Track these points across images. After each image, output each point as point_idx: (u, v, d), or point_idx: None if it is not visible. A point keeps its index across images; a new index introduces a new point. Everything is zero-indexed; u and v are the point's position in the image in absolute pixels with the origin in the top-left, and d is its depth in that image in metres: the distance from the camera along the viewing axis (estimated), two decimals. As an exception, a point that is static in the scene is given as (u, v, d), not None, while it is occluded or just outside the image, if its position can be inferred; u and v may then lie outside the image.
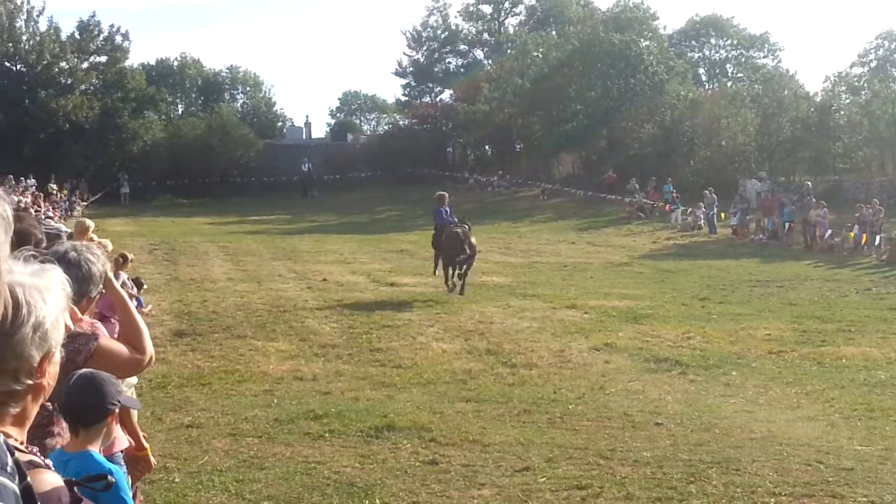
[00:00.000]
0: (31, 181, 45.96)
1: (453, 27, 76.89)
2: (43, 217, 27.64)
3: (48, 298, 2.25)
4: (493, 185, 61.36)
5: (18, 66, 62.63)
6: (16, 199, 32.54)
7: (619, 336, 18.45)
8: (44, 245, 5.99)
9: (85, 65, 65.05)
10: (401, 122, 78.32)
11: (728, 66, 76.36)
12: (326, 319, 20.00)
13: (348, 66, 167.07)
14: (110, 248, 13.38)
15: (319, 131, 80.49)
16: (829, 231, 35.91)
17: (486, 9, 76.37)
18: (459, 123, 66.29)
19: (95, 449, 4.40)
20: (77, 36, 64.55)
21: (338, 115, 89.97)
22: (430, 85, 78.79)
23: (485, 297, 23.48)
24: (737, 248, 37.06)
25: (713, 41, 76.17)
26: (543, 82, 60.18)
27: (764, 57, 75.82)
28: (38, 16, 63.34)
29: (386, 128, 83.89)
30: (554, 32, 68.74)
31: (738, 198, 43.39)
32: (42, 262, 2.40)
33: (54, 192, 47.11)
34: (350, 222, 47.44)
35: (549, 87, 59.51)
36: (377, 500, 8.93)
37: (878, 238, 33.44)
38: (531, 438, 11.24)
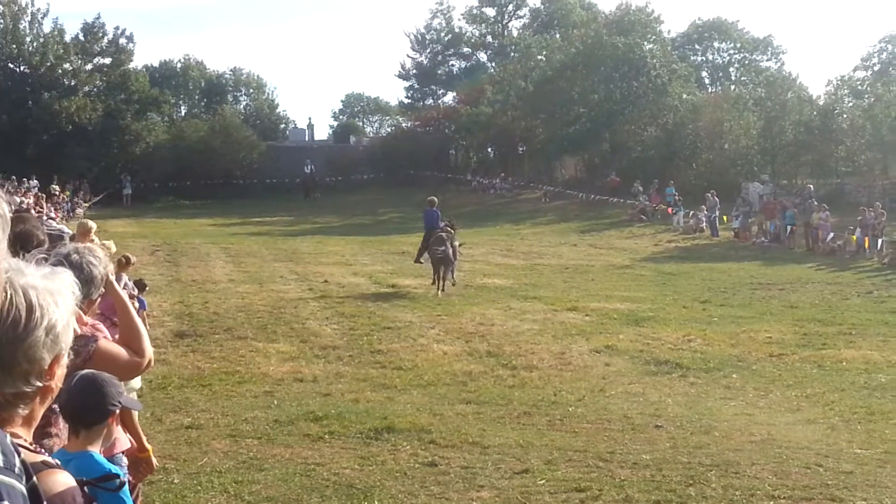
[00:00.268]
0: (34, 182, 46.01)
1: (457, 30, 76.92)
2: (45, 218, 27.68)
3: (60, 301, 2.26)
4: (495, 187, 61.42)
5: (22, 68, 62.72)
6: (18, 199, 32.59)
7: (619, 338, 18.46)
8: (46, 246, 6.02)
9: (89, 66, 65.14)
10: (404, 125, 78.33)
11: (731, 69, 76.35)
12: (327, 321, 20.03)
13: (351, 69, 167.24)
14: (114, 249, 13.36)
15: (322, 133, 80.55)
16: (832, 234, 35.88)
17: (490, 11, 76.38)
18: (462, 126, 66.28)
19: (96, 449, 4.41)
20: (81, 38, 64.62)
21: (340, 117, 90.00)
22: (434, 87, 78.79)
23: (486, 299, 23.51)
24: (739, 250, 37.04)
25: (716, 44, 76.18)
26: (546, 85, 60.23)
27: (767, 60, 75.89)
28: (42, 17, 63.48)
29: (389, 130, 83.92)
30: (557, 35, 68.78)
31: (741, 201, 43.38)
32: (53, 264, 2.41)
33: (57, 193, 47.13)
34: (352, 224, 47.49)
35: (553, 89, 59.56)
36: (376, 502, 8.94)
37: (879, 241, 33.42)
38: (531, 440, 11.25)
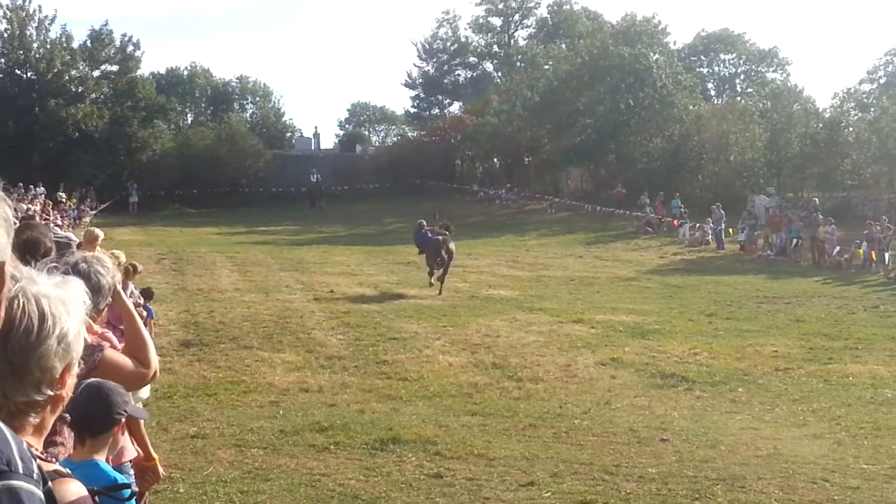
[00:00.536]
0: (41, 189, 46.04)
1: (463, 39, 77.03)
2: (51, 225, 27.69)
3: (71, 310, 2.27)
4: (500, 198, 61.44)
5: (29, 74, 62.88)
6: (24, 206, 32.62)
7: (625, 351, 18.44)
8: (53, 254, 6.02)
9: (96, 73, 65.33)
10: (409, 134, 78.44)
11: (737, 81, 76.42)
12: (333, 331, 20.03)
13: (357, 78, 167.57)
14: (123, 259, 13.36)
15: (328, 142, 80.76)
16: (838, 248, 35.83)
17: (496, 21, 76.55)
18: (468, 136, 66.29)
19: (102, 458, 4.40)
20: (89, 45, 64.80)
21: (347, 126, 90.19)
22: (440, 97, 78.91)
23: (491, 311, 23.50)
24: (744, 263, 36.99)
25: (722, 56, 76.25)
26: (552, 95, 60.29)
27: (773, 72, 75.93)
28: (49, 24, 63.67)
29: (394, 139, 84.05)
30: (563, 46, 68.88)
31: (746, 213, 43.31)
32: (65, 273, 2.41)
33: (63, 200, 47.16)
34: (358, 234, 47.50)
35: (558, 100, 59.61)
36: (381, 513, 8.94)
37: (886, 256, 33.37)
38: (536, 453, 11.24)
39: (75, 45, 64.56)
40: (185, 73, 76.59)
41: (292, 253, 37.20)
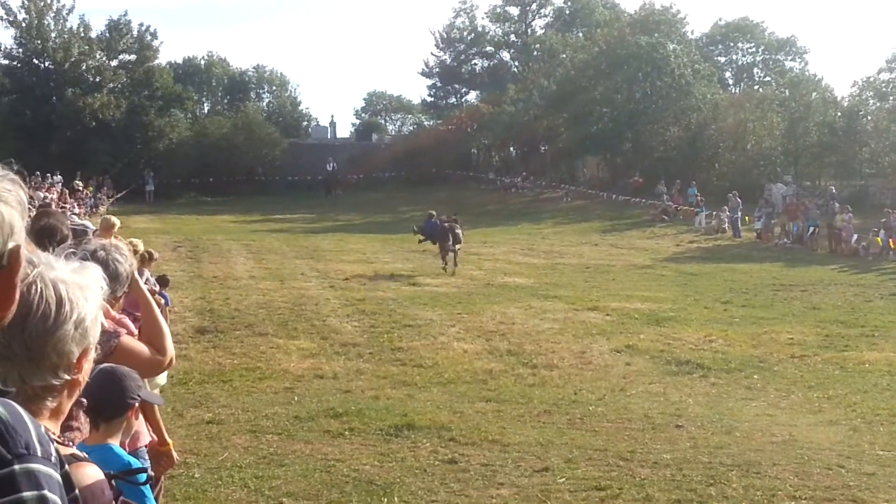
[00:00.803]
0: (58, 178, 46.21)
1: (480, 28, 76.82)
2: (68, 214, 27.80)
3: (89, 296, 2.28)
4: (516, 186, 61.33)
5: (46, 64, 63.02)
6: (41, 195, 32.75)
7: (640, 338, 18.42)
8: (70, 241, 6.05)
9: (114, 63, 65.44)
10: (426, 123, 78.33)
11: (755, 69, 76.07)
12: (348, 318, 20.06)
13: (374, 67, 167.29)
14: (141, 247, 13.40)
15: (344, 131, 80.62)
16: (855, 236, 35.69)
17: (513, 10, 76.22)
18: (484, 125, 66.15)
19: (115, 442, 4.42)
20: (107, 34, 64.91)
21: (363, 115, 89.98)
22: (457, 86, 78.78)
23: (506, 298, 23.50)
24: (761, 251, 36.89)
25: (740, 45, 75.89)
26: (569, 84, 60.15)
27: (791, 60, 75.53)
28: (67, 14, 63.75)
29: (411, 128, 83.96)
30: (580, 35, 68.68)
31: (763, 202, 43.21)
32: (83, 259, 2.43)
33: (80, 188, 47.33)
34: (373, 222, 47.53)
35: (575, 89, 59.44)
36: (396, 499, 8.96)
37: (903, 243, 33.28)
38: (551, 439, 11.25)
39: (93, 34, 64.71)
40: (202, 62, 76.65)
41: (308, 241, 37.28)
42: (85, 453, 2.61)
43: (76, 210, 35.04)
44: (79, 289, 2.26)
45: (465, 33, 76.86)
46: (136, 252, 11.13)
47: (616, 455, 10.53)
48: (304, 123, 78.59)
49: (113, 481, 2.83)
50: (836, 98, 56.15)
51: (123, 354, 4.82)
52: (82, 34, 63.86)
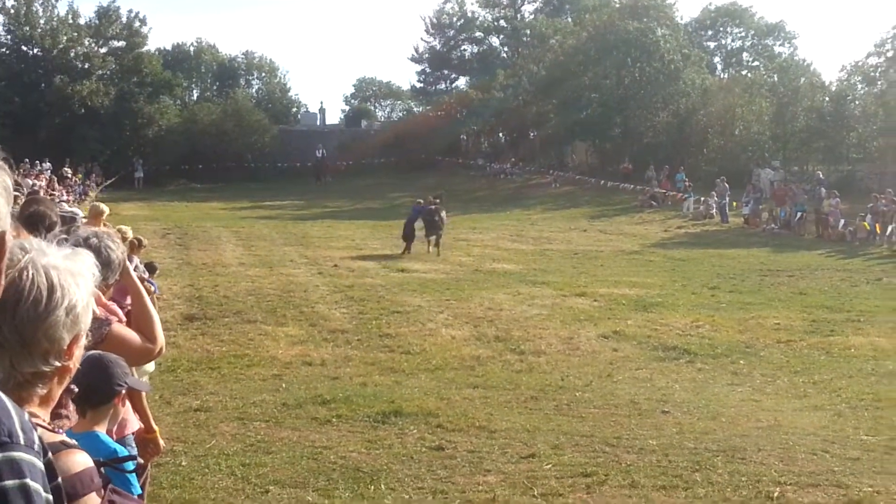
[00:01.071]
0: (47, 165, 46.13)
1: (469, 14, 76.70)
2: (57, 201, 27.74)
3: (80, 282, 2.28)
4: (505, 172, 61.29)
5: (35, 51, 62.82)
6: (30, 182, 32.67)
7: (627, 324, 18.47)
8: (58, 227, 6.07)
9: (103, 49, 65.24)
10: (415, 109, 78.23)
11: (744, 54, 76.04)
12: (336, 305, 20.07)
13: (363, 53, 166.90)
14: (130, 235, 13.44)
15: (334, 117, 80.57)
16: (843, 221, 35.80)
17: (504, -5, 76.11)
18: (474, 111, 66.09)
19: (102, 430, 4.44)
20: (96, 21, 64.71)
21: (352, 101, 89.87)
22: (446, 72, 78.68)
23: (494, 284, 23.54)
24: (748, 237, 37.00)
25: (729, 29, 75.84)
26: (558, 70, 60.08)
27: (780, 45, 75.52)
28: (56, 0, 63.56)
29: (400, 115, 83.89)
30: (570, 20, 68.58)
31: (751, 187, 43.28)
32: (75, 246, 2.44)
33: (69, 176, 47.24)
34: (363, 208, 47.55)
35: (564, 74, 59.38)
36: (383, 486, 9.00)
37: (889, 228, 33.37)
38: (537, 425, 11.30)
39: (82, 21, 64.56)
40: (192, 48, 76.56)
41: (297, 227, 37.25)
42: (74, 440, 2.64)
43: (65, 197, 34.97)
44: (70, 275, 2.25)
45: (455, 19, 76.76)
46: (125, 239, 11.17)
47: (602, 441, 10.58)
48: (294, 110, 78.52)
49: (102, 469, 2.85)
50: (825, 83, 56.36)
51: (115, 342, 4.84)
52: (71, 21, 63.75)
